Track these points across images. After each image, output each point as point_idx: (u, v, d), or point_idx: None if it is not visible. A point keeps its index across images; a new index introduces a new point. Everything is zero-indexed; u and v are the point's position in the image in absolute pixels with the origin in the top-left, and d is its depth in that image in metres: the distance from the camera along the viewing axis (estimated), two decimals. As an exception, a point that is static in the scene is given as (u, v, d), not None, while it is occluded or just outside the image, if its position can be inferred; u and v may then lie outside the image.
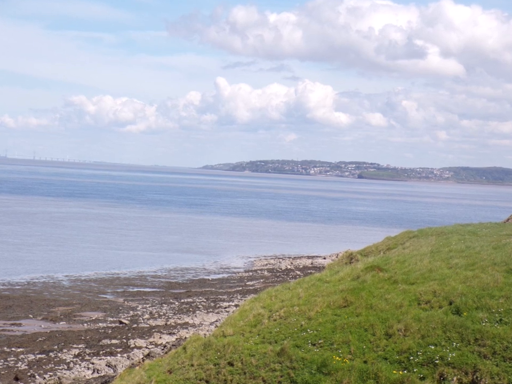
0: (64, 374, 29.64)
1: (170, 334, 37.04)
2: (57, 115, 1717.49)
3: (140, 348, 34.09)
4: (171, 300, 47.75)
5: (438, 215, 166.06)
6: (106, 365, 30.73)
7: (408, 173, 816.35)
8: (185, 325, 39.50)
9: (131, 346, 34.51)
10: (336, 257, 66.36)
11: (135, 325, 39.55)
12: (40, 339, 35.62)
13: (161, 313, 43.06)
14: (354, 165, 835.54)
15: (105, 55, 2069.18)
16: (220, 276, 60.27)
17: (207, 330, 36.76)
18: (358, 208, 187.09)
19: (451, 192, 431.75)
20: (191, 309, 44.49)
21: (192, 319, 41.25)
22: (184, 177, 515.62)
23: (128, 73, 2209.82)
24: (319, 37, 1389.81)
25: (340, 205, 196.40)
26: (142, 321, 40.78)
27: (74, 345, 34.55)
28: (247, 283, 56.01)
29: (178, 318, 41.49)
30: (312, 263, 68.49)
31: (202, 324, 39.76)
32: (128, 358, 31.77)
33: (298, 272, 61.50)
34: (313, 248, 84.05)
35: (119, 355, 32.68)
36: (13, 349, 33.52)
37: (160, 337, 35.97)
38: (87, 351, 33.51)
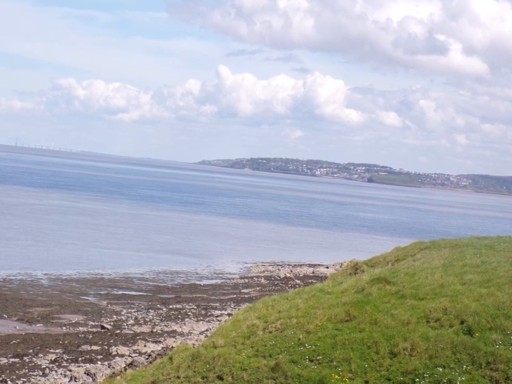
0: (39, 380, 29.67)
1: (156, 342, 37.08)
2: (44, 99, 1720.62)
3: (122, 355, 34.13)
4: (158, 305, 47.79)
5: (453, 226, 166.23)
6: (85, 373, 30.75)
7: (422, 178, 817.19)
8: (172, 333, 39.54)
9: (113, 353, 34.54)
10: (340, 266, 66.43)
11: (118, 331, 39.58)
12: (14, 341, 35.65)
13: (147, 319, 43.11)
14: (364, 168, 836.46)
15: (99, 35, 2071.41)
16: (213, 282, 60.33)
17: (196, 340, 36.80)
18: (367, 214, 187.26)
19: (468, 202, 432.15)
20: (179, 316, 44.54)
21: (180, 327, 41.29)
22: (179, 172, 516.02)
23: (122, 56, 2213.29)
24: (332, 27, 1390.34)
25: (346, 210, 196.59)
26: (126, 327, 40.81)
27: (51, 350, 34.58)
28: (242, 291, 56.07)
29: (165, 325, 41.53)
30: (313, 272, 68.58)
31: (191, 333, 39.81)
32: (109, 367, 31.81)
33: (298, 281, 61.58)
34: (316, 256, 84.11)
35: (99, 363, 32.71)
36: (-16, 351, 33.55)
37: (144, 345, 36.01)
38: (65, 356, 33.55)
